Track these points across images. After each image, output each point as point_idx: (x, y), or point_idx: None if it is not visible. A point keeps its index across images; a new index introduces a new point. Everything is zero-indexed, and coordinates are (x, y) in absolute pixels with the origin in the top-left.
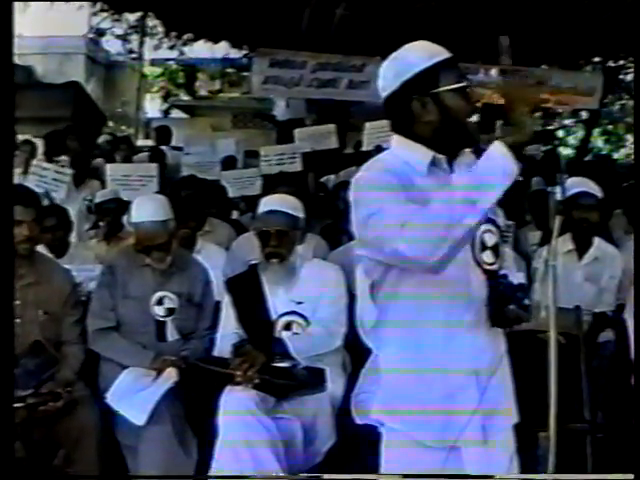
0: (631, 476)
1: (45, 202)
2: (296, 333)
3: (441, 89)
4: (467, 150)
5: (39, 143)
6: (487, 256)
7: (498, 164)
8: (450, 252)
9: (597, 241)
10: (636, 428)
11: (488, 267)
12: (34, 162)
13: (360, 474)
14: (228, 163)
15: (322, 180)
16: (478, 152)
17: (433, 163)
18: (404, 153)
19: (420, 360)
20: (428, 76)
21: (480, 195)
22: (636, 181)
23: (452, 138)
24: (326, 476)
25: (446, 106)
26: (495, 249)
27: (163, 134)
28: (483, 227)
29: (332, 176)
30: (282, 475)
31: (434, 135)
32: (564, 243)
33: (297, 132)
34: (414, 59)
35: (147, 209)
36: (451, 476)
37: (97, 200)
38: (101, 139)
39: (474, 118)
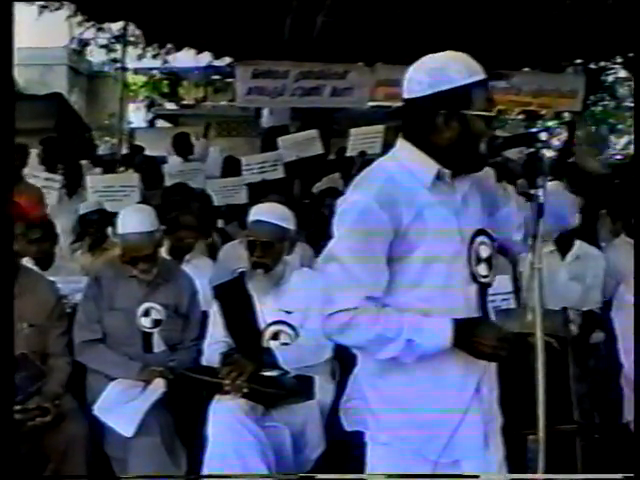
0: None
1: None
2: (285, 343)
3: (471, 112)
4: None
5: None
6: (482, 269)
7: (439, 341)
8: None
9: (578, 242)
10: (636, 428)
11: (482, 280)
12: (24, 171)
13: (348, 474)
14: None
15: (313, 190)
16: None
17: (438, 177)
18: (409, 162)
19: (418, 374)
20: (462, 95)
21: (412, 346)
22: (636, 181)
23: (463, 159)
24: (318, 476)
25: (469, 128)
26: (489, 261)
27: (181, 142)
28: (478, 239)
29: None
30: (276, 475)
31: (446, 151)
32: (546, 245)
33: (281, 140)
34: (452, 72)
35: (133, 220)
36: (443, 476)
37: (81, 212)
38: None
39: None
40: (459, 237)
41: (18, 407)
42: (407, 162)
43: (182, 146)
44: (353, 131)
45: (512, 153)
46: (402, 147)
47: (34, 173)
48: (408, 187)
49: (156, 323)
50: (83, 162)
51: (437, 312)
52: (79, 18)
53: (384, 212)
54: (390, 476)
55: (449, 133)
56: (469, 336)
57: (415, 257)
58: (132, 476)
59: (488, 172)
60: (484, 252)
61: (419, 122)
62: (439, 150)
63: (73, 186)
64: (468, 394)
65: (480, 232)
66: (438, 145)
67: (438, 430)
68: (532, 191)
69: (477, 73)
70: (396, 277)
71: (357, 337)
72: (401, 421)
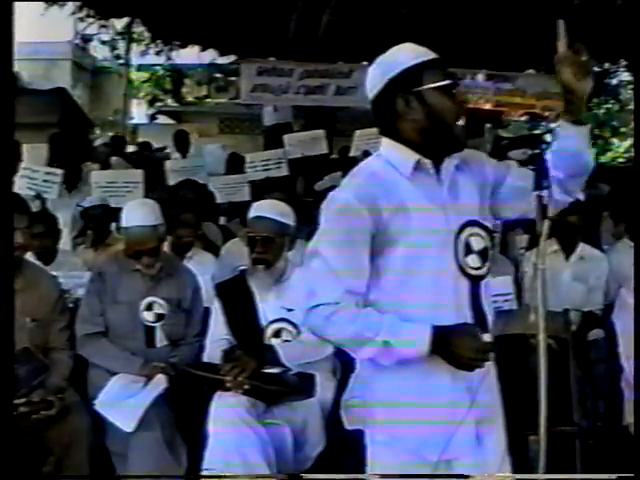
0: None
1: (37, 204)
2: (286, 340)
3: (425, 87)
4: (455, 154)
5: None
6: (472, 260)
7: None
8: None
9: (581, 244)
10: (636, 428)
11: (473, 272)
12: (23, 165)
13: (349, 474)
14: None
15: (315, 187)
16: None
17: (418, 167)
18: (390, 155)
19: (408, 370)
20: (413, 74)
21: (389, 349)
22: (636, 181)
23: (437, 140)
24: (315, 476)
25: (430, 105)
26: (483, 253)
27: (181, 139)
28: (469, 230)
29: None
30: (274, 475)
31: (419, 136)
32: (550, 244)
33: (287, 138)
34: (400, 58)
35: (137, 214)
36: (442, 476)
37: (84, 206)
38: (97, 143)
39: (461, 121)
40: (446, 229)
41: (22, 400)
42: (389, 156)
43: (181, 143)
44: (358, 132)
45: (516, 154)
46: (384, 144)
47: (33, 167)
48: (390, 181)
49: (159, 317)
50: (114, 159)
51: (426, 307)
52: (83, 13)
53: (363, 207)
54: (391, 476)
55: (413, 115)
56: (447, 345)
57: (399, 250)
58: (132, 474)
59: (482, 156)
60: (476, 243)
61: (386, 116)
62: (413, 138)
63: (73, 181)
64: (458, 395)
65: (471, 223)
66: (410, 132)
67: (431, 430)
68: (535, 192)
69: (424, 54)
70: (382, 272)
71: (336, 333)
72: (395, 421)
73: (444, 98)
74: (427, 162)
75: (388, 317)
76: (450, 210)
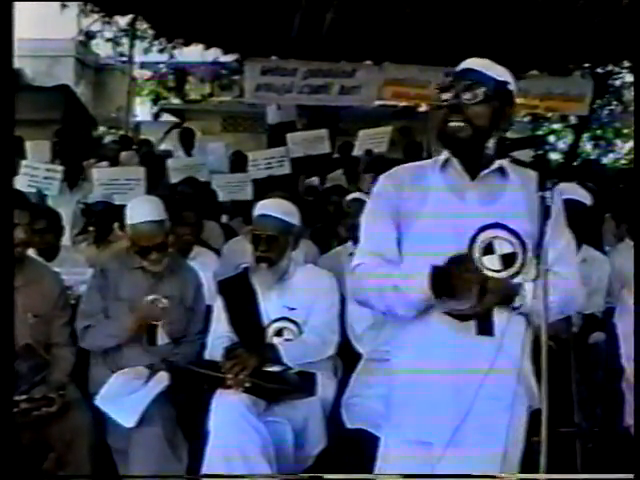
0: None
1: (38, 201)
2: (288, 339)
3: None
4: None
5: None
6: (490, 261)
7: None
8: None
9: (584, 246)
10: (636, 428)
11: (489, 273)
12: (24, 162)
13: (359, 474)
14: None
15: (308, 182)
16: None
17: (448, 164)
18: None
19: (398, 365)
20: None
21: (400, 294)
22: (636, 181)
23: (439, 141)
24: (325, 476)
25: (435, 115)
26: (507, 259)
27: (186, 137)
28: (493, 232)
29: (315, 178)
30: (278, 475)
31: (442, 140)
32: None
33: (289, 137)
34: None
35: (143, 210)
36: (450, 476)
37: (87, 202)
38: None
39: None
40: (460, 220)
41: (23, 397)
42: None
43: (187, 142)
44: (361, 132)
45: (519, 155)
46: None
47: (34, 165)
48: (423, 170)
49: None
50: (124, 154)
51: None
52: (87, 10)
53: (390, 184)
54: (392, 476)
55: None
56: (447, 278)
57: (415, 228)
58: (134, 475)
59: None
60: (499, 246)
61: None
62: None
63: (74, 178)
64: (451, 401)
65: (498, 226)
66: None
67: (412, 411)
68: (540, 193)
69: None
70: (402, 248)
71: (361, 286)
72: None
73: (442, 109)
74: (455, 161)
75: (402, 266)
76: (475, 208)
